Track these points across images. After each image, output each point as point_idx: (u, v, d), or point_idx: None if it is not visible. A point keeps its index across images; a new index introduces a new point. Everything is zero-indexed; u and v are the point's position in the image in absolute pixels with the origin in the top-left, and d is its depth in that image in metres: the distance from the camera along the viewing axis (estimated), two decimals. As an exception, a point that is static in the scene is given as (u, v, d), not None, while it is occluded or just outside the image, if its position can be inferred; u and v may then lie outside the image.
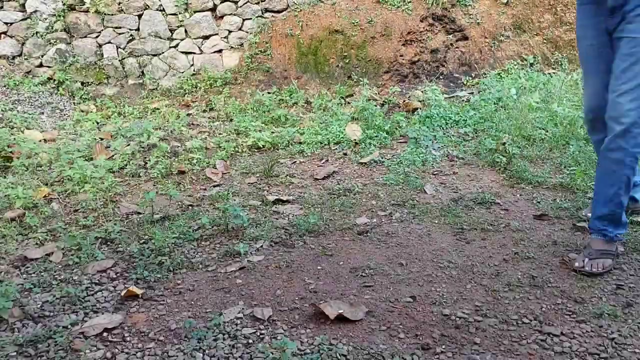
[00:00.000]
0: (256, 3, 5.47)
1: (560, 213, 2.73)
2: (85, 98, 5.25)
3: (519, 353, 1.69)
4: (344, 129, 4.10)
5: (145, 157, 3.70)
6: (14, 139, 3.78)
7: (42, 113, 4.84)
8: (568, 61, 5.44)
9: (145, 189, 3.21)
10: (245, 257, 2.36)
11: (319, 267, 2.26)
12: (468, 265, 2.24)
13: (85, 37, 5.41)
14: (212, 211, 2.89)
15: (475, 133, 4.02)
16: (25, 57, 5.35)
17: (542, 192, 3.03)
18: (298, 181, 3.33)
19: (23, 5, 5.31)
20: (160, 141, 3.85)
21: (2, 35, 5.33)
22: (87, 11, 5.36)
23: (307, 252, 2.41)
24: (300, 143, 4.01)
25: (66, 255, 2.42)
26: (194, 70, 5.53)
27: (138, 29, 5.46)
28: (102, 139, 4.09)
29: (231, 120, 4.68)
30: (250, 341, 1.77)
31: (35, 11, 5.31)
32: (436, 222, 2.69)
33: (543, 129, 3.88)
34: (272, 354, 1.68)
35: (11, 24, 5.32)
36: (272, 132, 4.20)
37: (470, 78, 5.22)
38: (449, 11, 5.36)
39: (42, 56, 5.37)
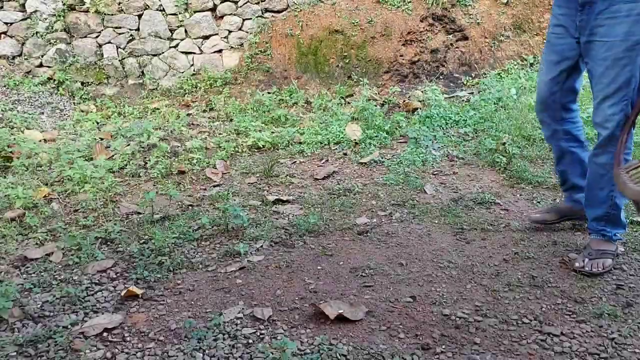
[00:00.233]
0: (256, 3, 5.47)
1: (560, 213, 2.73)
2: (85, 98, 5.25)
3: (519, 353, 1.69)
4: (344, 129, 4.10)
5: (145, 157, 3.70)
6: (14, 139, 3.78)
7: (42, 113, 4.84)
8: (568, 61, 5.43)
9: (145, 189, 3.21)
10: (245, 257, 2.36)
11: (319, 267, 2.26)
12: (468, 265, 2.24)
13: (85, 37, 5.41)
14: (212, 211, 2.89)
15: (475, 133, 4.03)
16: (25, 57, 5.35)
17: (542, 192, 3.03)
18: (298, 181, 3.33)
19: (23, 5, 5.31)
20: (160, 141, 3.85)
21: (2, 35, 5.33)
22: (87, 11, 5.36)
23: (307, 252, 2.41)
24: (300, 143, 4.01)
25: (66, 255, 2.42)
26: (194, 70, 5.53)
27: (138, 29, 5.46)
28: (102, 139, 4.09)
29: (231, 120, 4.68)
30: (250, 341, 1.77)
31: (35, 11, 5.31)
32: (436, 222, 2.69)
33: (543, 129, 3.88)
34: (272, 354, 1.68)
35: (11, 24, 5.32)
36: (272, 132, 4.20)
37: (470, 78, 5.22)
38: (449, 11, 5.36)
39: (42, 56, 5.37)
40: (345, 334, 1.80)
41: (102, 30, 5.41)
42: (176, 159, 3.69)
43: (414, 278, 2.16)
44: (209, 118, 4.81)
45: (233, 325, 1.86)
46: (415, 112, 4.44)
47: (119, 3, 5.38)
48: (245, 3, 5.46)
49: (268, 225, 2.66)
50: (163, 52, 5.49)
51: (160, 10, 5.44)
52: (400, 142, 3.97)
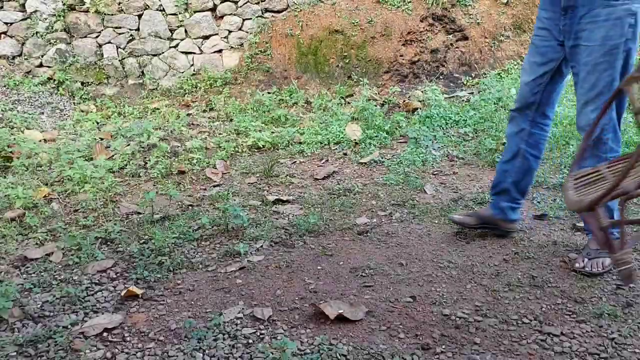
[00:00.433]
0: (256, 3, 5.47)
1: (560, 213, 2.72)
2: (85, 98, 5.25)
3: (519, 353, 1.69)
4: (344, 129, 4.10)
5: (145, 157, 3.70)
6: (14, 139, 3.78)
7: (42, 113, 4.84)
8: (568, 61, 5.43)
9: (145, 189, 3.21)
10: (245, 257, 2.36)
11: (319, 267, 2.26)
12: (468, 265, 2.24)
13: (85, 37, 5.41)
14: (212, 211, 2.89)
15: (475, 133, 4.03)
16: (25, 57, 5.35)
17: (542, 192, 3.03)
18: (298, 181, 3.33)
19: (23, 5, 5.31)
20: (160, 141, 3.85)
21: (2, 35, 5.33)
22: (87, 11, 5.36)
23: (307, 252, 2.41)
24: (300, 143, 4.01)
25: (66, 255, 2.42)
26: (194, 70, 5.53)
27: (138, 29, 5.46)
28: (102, 139, 4.09)
29: (231, 120, 4.68)
30: (250, 341, 1.77)
31: (35, 11, 5.31)
32: (436, 222, 2.69)
33: (543, 129, 3.88)
34: (272, 354, 1.68)
35: (11, 24, 5.32)
36: (272, 132, 4.20)
37: (470, 78, 5.22)
38: (449, 11, 5.36)
39: (42, 56, 5.37)
40: (345, 334, 1.80)
41: (102, 30, 5.41)
42: (176, 159, 3.69)
43: (414, 278, 2.16)
44: (209, 118, 4.81)
45: (233, 325, 1.86)
46: (415, 112, 4.44)
47: (119, 3, 5.38)
48: (245, 3, 5.46)
49: (268, 225, 2.66)
50: (163, 52, 5.49)
51: (160, 10, 5.44)
52: (400, 142, 3.97)
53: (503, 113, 4.23)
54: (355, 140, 3.95)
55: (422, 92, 4.89)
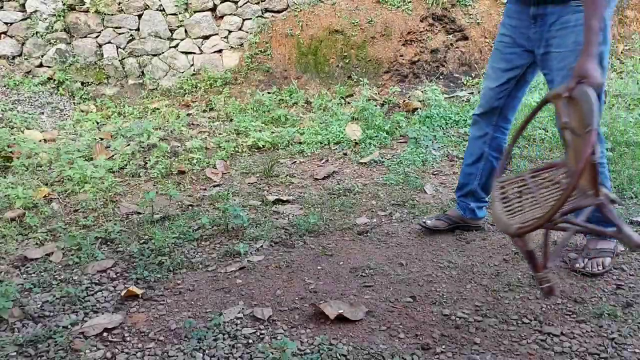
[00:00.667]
0: (256, 3, 5.47)
1: (560, 213, 2.72)
2: (85, 98, 5.25)
3: (519, 353, 1.69)
4: (344, 129, 4.10)
5: (145, 157, 3.70)
6: (14, 139, 3.78)
7: (42, 113, 4.84)
8: (568, 61, 5.43)
9: (145, 189, 3.21)
10: (245, 257, 2.36)
11: (319, 267, 2.26)
12: (468, 265, 2.24)
13: (85, 37, 5.41)
14: (212, 211, 2.89)
15: (475, 133, 4.02)
16: (25, 57, 5.35)
17: (542, 192, 3.02)
18: (298, 181, 3.33)
19: (23, 5, 5.31)
20: (160, 141, 3.85)
21: (2, 35, 5.33)
22: (87, 11, 5.36)
23: (307, 252, 2.41)
24: (300, 143, 4.01)
25: (66, 255, 2.42)
26: (194, 70, 5.53)
27: (138, 29, 5.46)
28: (102, 139, 4.09)
29: (231, 120, 4.68)
30: (250, 341, 1.77)
31: (35, 11, 5.31)
32: (436, 222, 2.69)
33: (543, 129, 3.89)
34: (272, 354, 1.68)
35: (11, 24, 5.32)
36: (272, 132, 4.20)
37: (470, 78, 5.22)
38: (449, 11, 5.36)
39: (42, 56, 5.37)
40: (345, 334, 1.80)
41: (102, 30, 5.41)
42: (176, 159, 3.69)
43: (414, 278, 2.15)
44: (209, 118, 4.81)
45: (233, 325, 1.86)
46: (415, 112, 4.44)
47: (119, 3, 5.38)
48: (245, 3, 5.46)
49: (268, 225, 2.66)
50: (163, 52, 5.49)
51: (160, 10, 5.44)
52: (400, 142, 3.97)
53: (503, 113, 4.23)
54: (355, 140, 3.95)
55: (422, 92, 4.89)
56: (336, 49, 5.27)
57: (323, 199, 3.01)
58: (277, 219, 2.77)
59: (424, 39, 5.30)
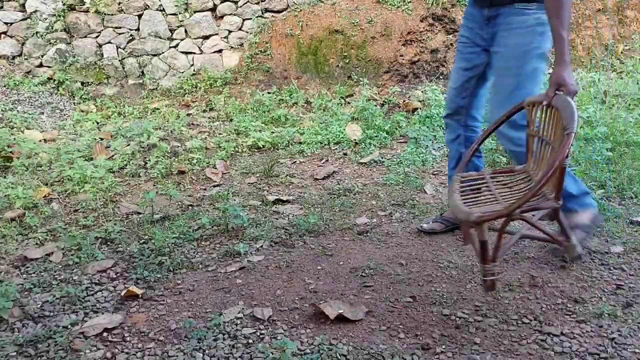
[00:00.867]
0: (256, 3, 5.47)
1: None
2: (85, 98, 5.25)
3: (519, 353, 1.69)
4: (344, 129, 4.10)
5: (145, 157, 3.70)
6: (14, 139, 3.79)
7: (42, 113, 4.84)
8: (568, 61, 5.43)
9: (145, 189, 3.21)
10: (245, 257, 2.36)
11: (319, 267, 2.26)
12: (468, 265, 2.24)
13: (85, 37, 5.41)
14: (212, 211, 2.89)
15: (475, 133, 4.02)
16: (25, 57, 5.35)
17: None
18: (298, 181, 3.33)
19: (23, 5, 5.31)
20: (160, 141, 3.86)
21: (2, 35, 5.33)
22: (87, 11, 5.36)
23: (307, 252, 2.41)
24: (300, 143, 4.01)
25: (66, 255, 2.42)
26: (194, 70, 5.53)
27: (138, 29, 5.46)
28: (102, 139, 4.10)
29: (231, 120, 4.68)
30: (250, 341, 1.77)
31: (35, 11, 5.31)
32: (436, 222, 2.69)
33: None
34: (272, 354, 1.68)
35: (11, 24, 5.32)
36: (272, 132, 4.20)
37: (470, 78, 5.22)
38: (449, 11, 5.36)
39: (42, 56, 5.37)
40: (345, 334, 1.80)
41: (102, 30, 5.41)
42: (176, 159, 3.69)
43: (414, 278, 2.15)
44: (209, 118, 4.81)
45: (233, 325, 1.86)
46: (415, 112, 4.44)
47: (119, 3, 5.38)
48: (245, 3, 5.46)
49: (268, 225, 2.66)
50: (163, 52, 5.50)
51: (160, 10, 5.44)
52: (400, 142, 3.97)
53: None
54: (355, 140, 3.95)
55: (422, 92, 4.89)
56: (336, 49, 5.27)
57: (323, 199, 3.01)
58: (277, 219, 2.77)
59: (424, 39, 5.30)
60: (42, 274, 2.26)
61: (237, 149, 3.94)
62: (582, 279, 2.10)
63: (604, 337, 1.74)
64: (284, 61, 5.35)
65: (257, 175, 3.44)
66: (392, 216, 2.77)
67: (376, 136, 3.99)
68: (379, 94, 4.99)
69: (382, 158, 3.64)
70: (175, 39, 5.51)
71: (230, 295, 2.06)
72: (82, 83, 5.36)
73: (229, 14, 5.48)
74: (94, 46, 5.43)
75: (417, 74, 5.25)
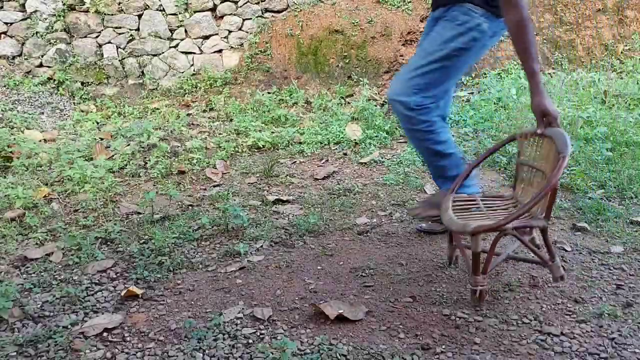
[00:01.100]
0: (256, 3, 5.47)
1: (560, 213, 2.72)
2: (85, 98, 5.25)
3: (519, 353, 1.69)
4: (344, 129, 4.10)
5: (145, 157, 3.70)
6: (14, 139, 3.79)
7: (42, 113, 4.84)
8: (568, 61, 5.44)
9: (145, 189, 3.21)
10: (245, 257, 2.36)
11: (319, 267, 2.26)
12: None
13: (85, 37, 5.41)
14: (212, 211, 2.89)
15: (475, 133, 4.02)
16: (25, 57, 5.35)
17: (542, 192, 3.02)
18: (298, 181, 3.33)
19: (23, 5, 5.31)
20: (160, 141, 3.86)
21: (2, 35, 5.33)
22: (87, 11, 5.36)
23: (307, 252, 2.41)
24: (300, 143, 4.01)
25: (66, 255, 2.42)
26: (194, 70, 5.53)
27: (138, 29, 5.46)
28: (102, 139, 4.10)
29: (231, 120, 4.68)
30: (250, 341, 1.77)
31: (35, 11, 5.31)
32: (436, 222, 2.68)
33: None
34: (272, 354, 1.68)
35: (11, 24, 5.32)
36: (272, 132, 4.20)
37: (470, 78, 5.22)
38: (449, 11, 5.36)
39: (42, 56, 5.37)
40: (345, 334, 1.80)
41: (102, 30, 5.42)
42: (176, 159, 3.69)
43: (414, 278, 2.15)
44: (209, 118, 4.81)
45: (233, 325, 1.86)
46: (415, 112, 4.43)
47: (119, 3, 5.38)
48: (245, 3, 5.46)
49: (268, 225, 2.66)
50: (163, 52, 5.50)
51: (160, 10, 5.45)
52: (400, 142, 3.97)
53: (503, 113, 4.24)
54: (355, 140, 3.95)
55: (422, 92, 4.88)
56: (336, 49, 5.27)
57: (323, 199, 3.01)
58: (277, 219, 2.77)
59: (424, 39, 5.30)
60: (42, 274, 2.26)
61: (237, 149, 3.94)
62: (582, 279, 2.11)
63: (604, 337, 1.74)
64: (284, 61, 5.35)
65: (257, 175, 3.44)
66: (392, 216, 2.77)
67: (376, 136, 3.99)
68: (379, 94, 4.99)
69: (382, 158, 3.64)
70: (175, 39, 5.51)
71: (230, 295, 2.06)
72: (82, 83, 5.36)
73: (229, 14, 5.48)
74: (94, 46, 5.43)
75: (417, 74, 5.25)
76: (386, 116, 4.39)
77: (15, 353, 1.73)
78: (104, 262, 2.32)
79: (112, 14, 5.38)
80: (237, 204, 2.90)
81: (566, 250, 2.34)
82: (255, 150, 3.96)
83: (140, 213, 2.87)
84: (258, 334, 1.81)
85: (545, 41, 5.53)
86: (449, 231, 2.18)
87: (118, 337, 1.82)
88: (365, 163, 3.58)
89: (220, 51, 5.54)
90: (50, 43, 5.35)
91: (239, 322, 1.87)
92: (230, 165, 3.65)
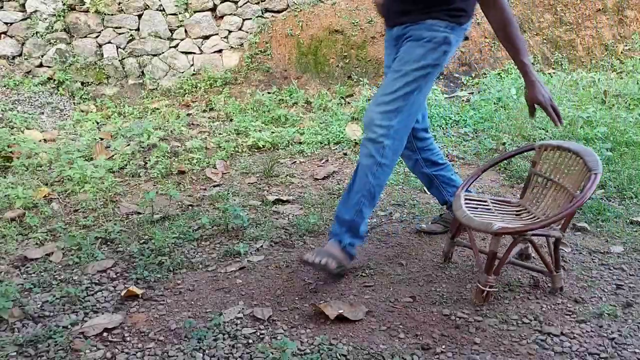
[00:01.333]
0: (256, 3, 5.47)
1: (560, 213, 2.72)
2: (85, 98, 5.25)
3: (519, 353, 1.69)
4: (344, 129, 4.10)
5: (145, 157, 3.70)
6: (14, 139, 3.79)
7: (42, 113, 4.84)
8: (568, 61, 5.44)
9: (145, 189, 3.21)
10: (245, 257, 2.36)
11: (319, 267, 2.26)
12: (468, 265, 2.24)
13: (85, 37, 5.41)
14: (212, 211, 2.89)
15: (475, 133, 4.03)
16: (25, 57, 5.36)
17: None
18: (298, 181, 3.33)
19: (23, 5, 5.31)
20: (160, 141, 3.86)
21: (2, 35, 5.33)
22: (87, 11, 5.36)
23: (307, 252, 2.41)
24: (300, 143, 4.01)
25: (66, 255, 2.42)
26: (194, 70, 5.53)
27: (138, 29, 5.46)
28: (102, 139, 4.10)
29: (231, 120, 4.68)
30: (250, 341, 1.77)
31: (35, 11, 5.31)
32: (436, 222, 2.68)
33: (543, 129, 3.89)
34: (272, 354, 1.68)
35: (11, 24, 5.32)
36: (272, 132, 4.20)
37: (470, 78, 5.22)
38: (449, 11, 5.36)
39: (42, 56, 5.37)
40: (345, 334, 1.80)
41: (102, 30, 5.42)
42: (176, 159, 3.69)
43: (414, 278, 2.15)
44: (209, 118, 4.81)
45: (233, 325, 1.86)
46: (415, 112, 4.43)
47: (119, 3, 5.38)
48: (245, 3, 5.46)
49: (268, 225, 2.66)
50: (163, 52, 5.50)
51: (160, 10, 5.45)
52: (400, 142, 3.97)
53: (503, 113, 4.24)
54: (355, 140, 3.95)
55: (422, 92, 4.88)
56: (336, 49, 5.27)
57: (323, 199, 3.01)
58: (277, 219, 2.77)
59: (424, 39, 5.30)
60: (42, 274, 2.26)
61: (237, 149, 3.94)
62: (582, 279, 2.11)
63: (604, 337, 1.74)
64: (284, 61, 5.35)
65: (257, 175, 3.44)
66: (392, 216, 2.77)
67: (376, 136, 3.99)
68: (379, 94, 4.99)
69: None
70: (175, 39, 5.51)
71: (230, 295, 2.06)
72: (82, 83, 5.36)
73: (229, 14, 5.48)
74: (94, 46, 5.43)
75: (417, 74, 5.25)
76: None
77: (15, 353, 1.73)
78: (104, 262, 2.32)
79: (112, 14, 5.38)
80: (237, 204, 2.90)
81: (566, 251, 2.34)
82: (255, 150, 3.96)
83: (140, 213, 2.87)
84: (258, 334, 1.81)
85: (545, 41, 5.53)
86: (455, 227, 2.18)
87: (118, 337, 1.82)
88: (365, 163, 3.58)
89: (220, 51, 5.54)
90: (50, 43, 5.35)
91: (239, 322, 1.87)
92: (230, 165, 3.65)
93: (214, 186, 3.30)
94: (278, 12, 5.52)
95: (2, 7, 5.28)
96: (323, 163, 3.66)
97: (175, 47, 5.52)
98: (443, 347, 1.72)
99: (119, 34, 5.43)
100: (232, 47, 5.52)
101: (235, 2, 5.47)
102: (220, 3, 5.44)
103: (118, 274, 2.25)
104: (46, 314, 1.96)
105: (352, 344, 1.74)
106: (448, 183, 2.45)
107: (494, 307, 1.93)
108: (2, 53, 5.31)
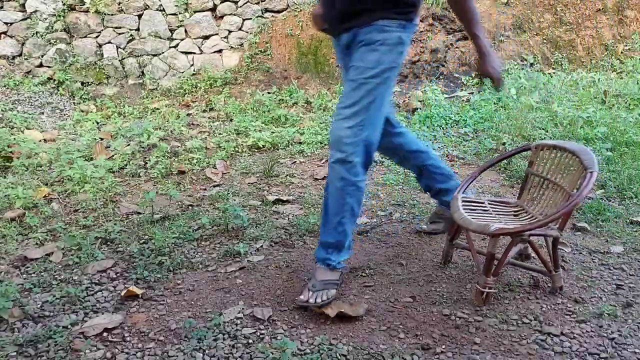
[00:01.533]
0: (256, 3, 5.47)
1: (560, 213, 2.72)
2: (85, 98, 5.25)
3: (519, 353, 1.69)
4: (344, 129, 4.09)
5: (145, 157, 3.70)
6: (14, 139, 3.79)
7: (42, 113, 4.84)
8: (568, 61, 5.44)
9: (145, 189, 3.21)
10: (245, 257, 2.36)
11: (319, 267, 2.26)
12: (468, 265, 2.24)
13: (85, 37, 5.41)
14: (212, 211, 2.89)
15: (475, 133, 4.03)
16: (25, 57, 5.36)
17: (542, 192, 3.02)
18: (298, 181, 3.33)
19: (23, 5, 5.31)
20: (160, 141, 3.86)
21: (2, 35, 5.33)
22: (87, 11, 5.36)
23: (307, 252, 2.41)
24: (300, 143, 4.01)
25: (66, 255, 2.42)
26: (194, 70, 5.53)
27: (138, 29, 5.46)
28: (102, 139, 4.10)
29: (231, 120, 4.68)
30: (250, 341, 1.77)
31: (35, 11, 5.32)
32: (436, 222, 2.68)
33: (543, 129, 3.89)
34: (272, 354, 1.68)
35: (11, 24, 5.32)
36: (272, 132, 4.20)
37: (470, 78, 5.22)
38: (448, 11, 5.36)
39: (42, 56, 5.37)
40: (345, 334, 1.80)
41: (102, 30, 5.42)
42: (176, 159, 3.69)
43: (414, 278, 2.15)
44: (209, 118, 4.81)
45: (233, 325, 1.86)
46: (415, 112, 4.44)
47: (119, 3, 5.38)
48: (245, 3, 5.46)
49: (268, 225, 2.66)
50: (163, 52, 5.50)
51: (160, 10, 5.45)
52: (400, 142, 3.97)
53: (503, 113, 4.24)
54: (355, 140, 3.95)
55: (422, 92, 4.89)
56: (336, 49, 5.27)
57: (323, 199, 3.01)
58: (277, 219, 2.77)
59: (424, 39, 5.30)
60: (42, 274, 2.26)
61: (237, 149, 3.94)
62: (582, 279, 2.11)
63: (604, 337, 1.74)
64: (284, 61, 5.35)
65: (257, 175, 3.44)
66: (392, 216, 2.77)
67: (376, 136, 3.99)
68: (379, 94, 4.99)
69: (382, 158, 3.64)
70: (175, 39, 5.51)
71: (230, 295, 2.06)
72: (82, 83, 5.36)
73: (229, 14, 5.48)
74: (94, 46, 5.43)
75: (417, 74, 5.25)
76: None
77: (15, 353, 1.73)
78: (104, 262, 2.32)
79: (112, 14, 5.38)
80: (237, 204, 2.90)
81: (566, 251, 2.34)
82: (255, 150, 3.96)
83: (140, 213, 2.87)
84: (258, 334, 1.81)
85: (545, 41, 5.53)
86: (454, 230, 2.18)
87: (118, 337, 1.82)
88: (365, 163, 3.58)
89: (220, 51, 5.54)
90: (50, 43, 5.35)
91: (239, 322, 1.87)
92: (230, 165, 3.65)
93: (214, 186, 3.30)
94: (278, 12, 5.52)
95: (2, 7, 5.28)
96: (323, 163, 3.66)
97: (175, 47, 5.52)
98: (443, 347, 1.72)
99: (119, 34, 5.43)
100: (232, 47, 5.52)
101: (235, 2, 5.47)
102: (220, 3, 5.44)
103: (118, 274, 2.25)
104: (46, 314, 1.96)
105: (352, 344, 1.74)
106: (436, 169, 2.40)
107: (493, 307, 1.93)
108: (2, 53, 5.31)
